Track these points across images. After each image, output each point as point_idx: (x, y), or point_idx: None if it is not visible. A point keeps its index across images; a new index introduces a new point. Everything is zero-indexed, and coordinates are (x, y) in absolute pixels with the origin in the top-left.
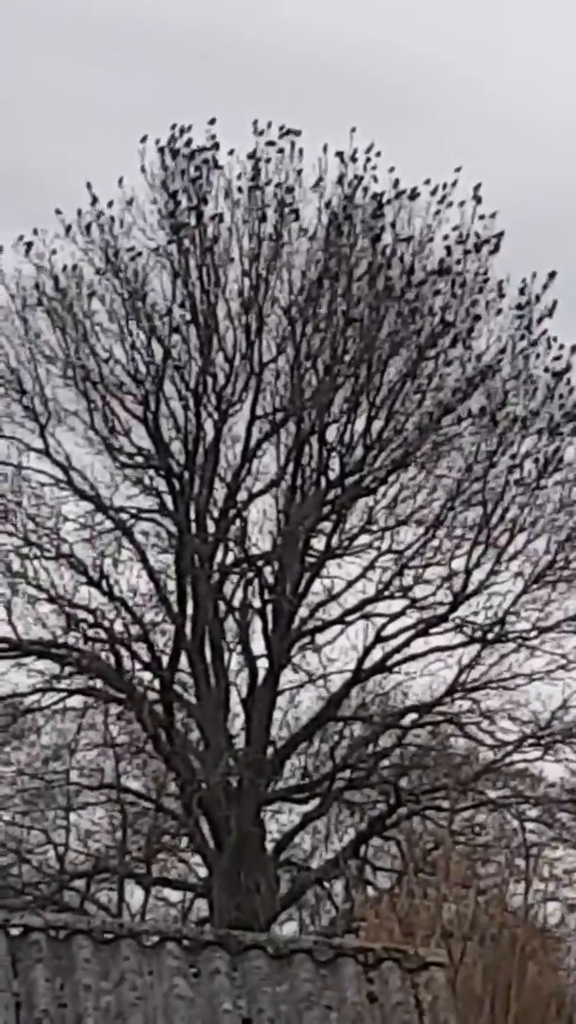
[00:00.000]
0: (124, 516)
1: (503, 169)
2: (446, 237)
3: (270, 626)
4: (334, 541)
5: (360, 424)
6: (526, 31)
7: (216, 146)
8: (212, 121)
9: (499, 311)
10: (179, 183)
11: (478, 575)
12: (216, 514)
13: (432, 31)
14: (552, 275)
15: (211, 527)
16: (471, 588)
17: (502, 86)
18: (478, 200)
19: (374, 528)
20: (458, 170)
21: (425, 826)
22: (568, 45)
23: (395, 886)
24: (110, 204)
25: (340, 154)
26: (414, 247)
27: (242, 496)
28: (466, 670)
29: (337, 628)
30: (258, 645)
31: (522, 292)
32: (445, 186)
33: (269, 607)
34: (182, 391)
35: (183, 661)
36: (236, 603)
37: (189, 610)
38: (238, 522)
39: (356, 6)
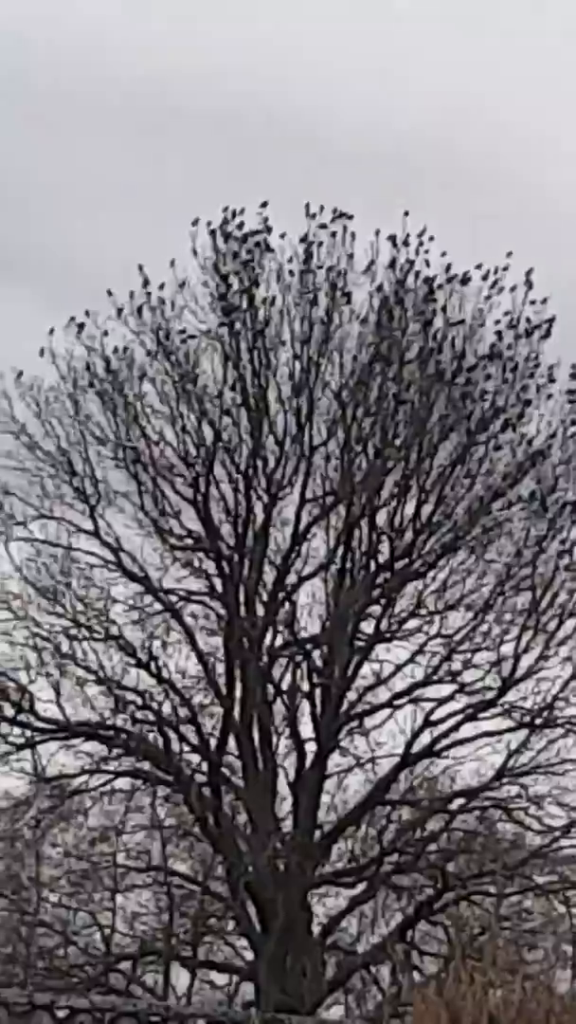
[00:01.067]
0: (173, 598)
1: (555, 253)
2: (497, 322)
3: (319, 709)
4: (383, 625)
5: (410, 508)
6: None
7: (268, 229)
8: (264, 204)
9: (550, 396)
10: (231, 266)
11: (527, 660)
12: (265, 597)
13: (484, 118)
14: None
15: (260, 610)
16: (520, 673)
17: (553, 172)
18: (529, 285)
19: (423, 612)
20: (509, 255)
21: (472, 911)
22: None
23: (442, 971)
24: (162, 286)
25: (392, 238)
26: (465, 331)
27: (291, 579)
28: (514, 755)
29: (386, 712)
30: (306, 728)
31: (573, 377)
32: (496, 271)
33: (318, 690)
34: (232, 474)
35: (231, 744)
36: (285, 686)
37: (238, 693)
38: (287, 605)
39: (409, 91)
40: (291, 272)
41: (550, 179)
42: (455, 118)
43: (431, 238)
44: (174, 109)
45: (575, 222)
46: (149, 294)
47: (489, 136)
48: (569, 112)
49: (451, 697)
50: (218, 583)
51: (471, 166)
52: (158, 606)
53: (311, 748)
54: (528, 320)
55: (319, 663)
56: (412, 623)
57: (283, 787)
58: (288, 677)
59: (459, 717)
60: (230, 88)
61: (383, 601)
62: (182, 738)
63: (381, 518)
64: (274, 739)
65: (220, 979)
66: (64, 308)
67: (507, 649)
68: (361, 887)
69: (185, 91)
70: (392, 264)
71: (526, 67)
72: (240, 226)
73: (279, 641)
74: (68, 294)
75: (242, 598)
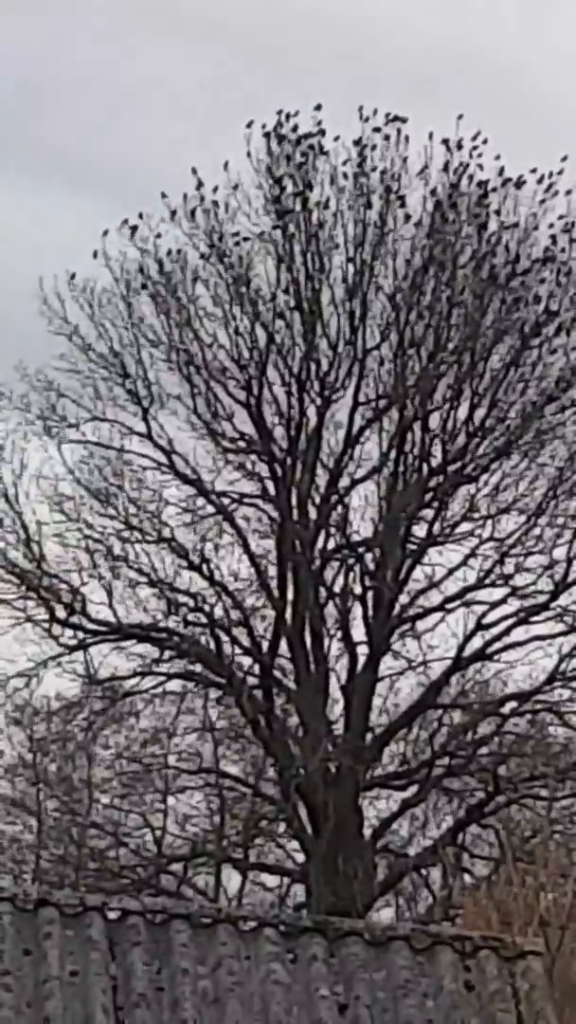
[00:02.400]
0: (226, 501)
1: None
2: (551, 226)
3: (370, 613)
4: (435, 529)
5: (463, 412)
6: None
7: (322, 132)
8: (318, 107)
9: None
10: (284, 169)
11: None
12: (318, 500)
13: (544, 25)
14: None
15: (312, 513)
16: (572, 577)
17: None
18: None
19: (476, 516)
20: (564, 159)
21: (523, 814)
22: None
23: (493, 874)
24: (215, 189)
25: (446, 141)
26: (519, 235)
27: (344, 483)
28: (566, 659)
29: (437, 616)
30: (358, 632)
31: None
32: (551, 175)
33: (370, 594)
34: (285, 377)
35: (283, 647)
36: (337, 589)
37: (290, 596)
38: (340, 508)
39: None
40: (345, 175)
41: None
42: (511, 22)
43: (485, 141)
44: (232, 14)
45: None
46: (203, 197)
47: (545, 40)
48: None
49: (503, 601)
50: (270, 486)
51: (525, 67)
52: (210, 509)
53: (363, 651)
54: None
55: (371, 566)
56: (464, 527)
57: (335, 690)
58: (340, 580)
59: (511, 621)
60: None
61: (435, 504)
62: (234, 641)
63: (434, 421)
64: (326, 642)
65: (271, 881)
66: (117, 211)
67: (559, 553)
68: (412, 790)
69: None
70: (446, 167)
71: None
72: (294, 129)
73: (331, 544)
74: (122, 196)
75: (294, 501)
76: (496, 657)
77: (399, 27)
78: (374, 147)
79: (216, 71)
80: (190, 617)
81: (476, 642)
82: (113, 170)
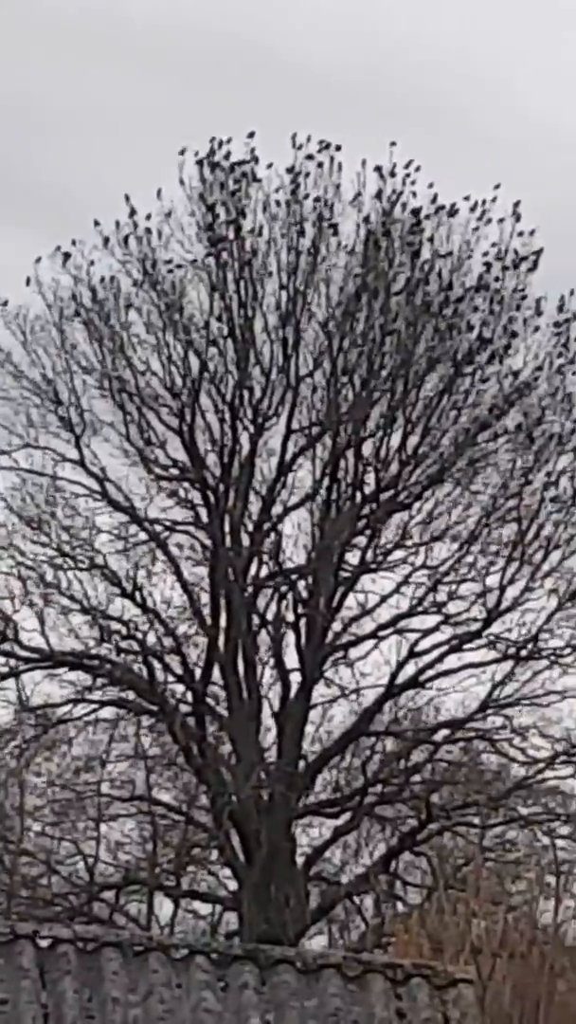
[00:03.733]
0: (158, 528)
1: (543, 186)
2: (485, 253)
3: (303, 640)
4: (368, 556)
5: (396, 439)
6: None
7: (255, 159)
8: (251, 134)
9: (536, 328)
10: (217, 196)
11: (512, 592)
12: (251, 527)
13: (474, 49)
14: None
15: (245, 540)
16: (505, 605)
17: (545, 103)
18: (517, 217)
19: (409, 543)
20: (497, 187)
21: (456, 842)
22: None
23: (425, 902)
24: (148, 216)
25: (379, 169)
26: (452, 263)
27: (277, 510)
28: (499, 686)
29: (370, 643)
30: (291, 659)
31: (560, 309)
32: (484, 202)
33: (302, 621)
34: (218, 404)
35: (216, 674)
36: (270, 617)
37: (222, 623)
38: (272, 535)
39: (397, 24)
40: (278, 202)
41: (543, 104)
42: (444, 46)
43: (418, 169)
44: (164, 39)
45: (564, 150)
46: (136, 224)
47: (476, 64)
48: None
49: (436, 628)
50: (203, 513)
51: (459, 94)
52: (143, 536)
53: (296, 678)
54: (516, 252)
55: (304, 594)
56: (397, 554)
57: (267, 718)
58: (273, 607)
59: (444, 648)
60: (221, 18)
61: (368, 532)
62: (167, 668)
63: (367, 449)
64: (259, 669)
65: (203, 909)
66: (50, 238)
67: (492, 581)
68: (345, 817)
69: (176, 22)
70: (379, 195)
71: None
72: (227, 156)
73: (264, 572)
74: (54, 224)
75: (227, 528)
76: (429, 685)
77: (333, 55)
78: (307, 175)
79: (149, 98)
80: (123, 644)
81: (409, 669)
82: (46, 198)
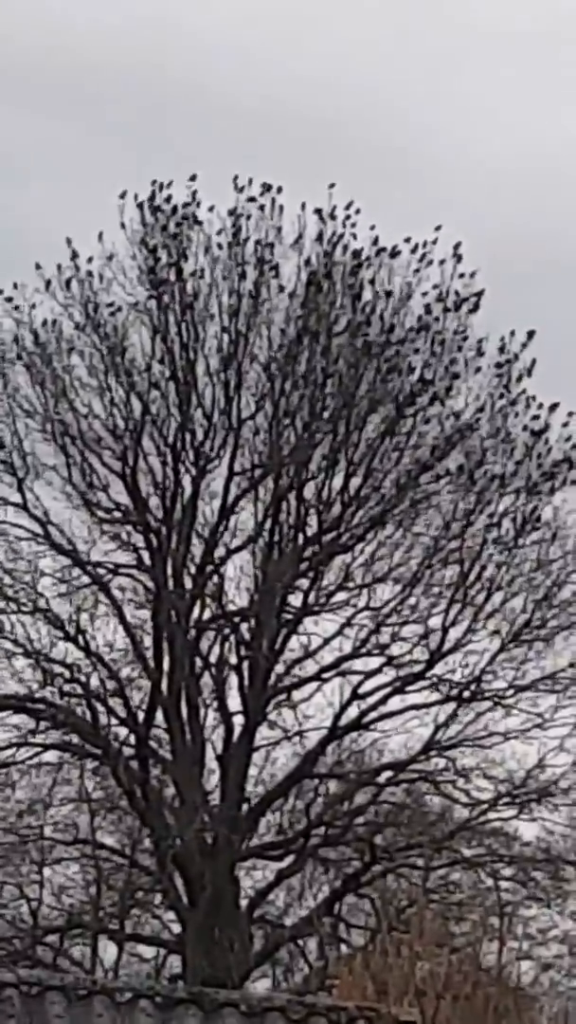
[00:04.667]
0: (101, 571)
1: (484, 227)
2: (426, 295)
3: (246, 682)
4: (311, 598)
5: (338, 481)
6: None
7: (196, 202)
8: (193, 177)
9: (478, 369)
10: (159, 239)
11: (455, 633)
12: (193, 570)
13: (414, 91)
14: (531, 334)
15: (188, 583)
16: (448, 646)
17: (486, 145)
18: (458, 259)
19: (351, 585)
20: (438, 228)
21: (399, 884)
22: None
23: (369, 944)
24: (90, 259)
25: (319, 211)
26: (394, 305)
27: (220, 552)
28: (442, 728)
29: (313, 685)
30: (234, 701)
31: (501, 351)
32: (425, 244)
33: (245, 663)
34: (160, 447)
35: (159, 717)
36: (213, 659)
37: (165, 666)
38: (215, 578)
39: (335, 67)
40: (219, 245)
41: (482, 148)
42: (382, 90)
43: (358, 211)
44: (105, 82)
45: (504, 191)
46: (77, 267)
47: (417, 108)
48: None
49: (379, 670)
50: (146, 556)
51: (399, 137)
52: (86, 579)
53: (239, 721)
54: (457, 293)
55: (247, 636)
56: (340, 596)
57: (211, 760)
58: (216, 650)
59: (387, 690)
60: (160, 61)
61: (311, 574)
62: (110, 711)
63: (309, 491)
64: (202, 712)
65: (148, 952)
66: None
67: (435, 622)
68: (288, 860)
69: (117, 65)
70: (319, 237)
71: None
72: (168, 199)
73: (207, 614)
74: None
75: (170, 571)
76: (372, 726)
77: (273, 99)
78: (248, 217)
79: (90, 143)
80: (66, 688)
81: (352, 711)
82: None
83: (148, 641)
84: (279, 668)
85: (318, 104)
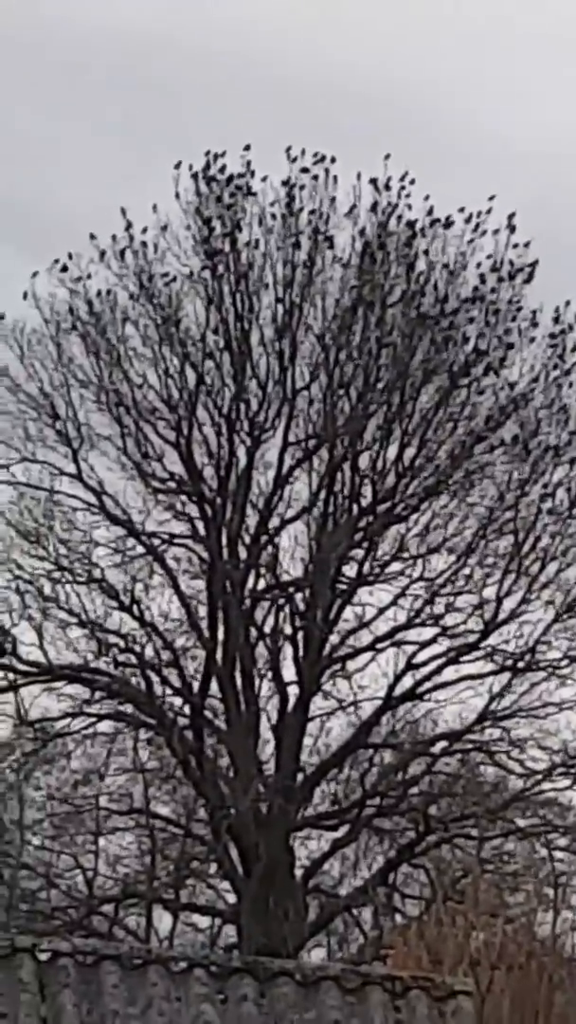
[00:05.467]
0: (156, 541)
1: (540, 198)
2: (480, 265)
3: (301, 653)
4: (365, 568)
5: (392, 451)
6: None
7: (251, 172)
8: (247, 148)
9: (532, 340)
10: (213, 210)
11: (509, 604)
12: (248, 540)
13: (471, 64)
14: None
15: (243, 553)
16: (502, 616)
17: (543, 117)
18: (512, 229)
19: (406, 556)
20: (492, 199)
21: (454, 854)
22: None
23: (423, 914)
24: (144, 230)
25: (374, 181)
26: (448, 275)
27: (274, 523)
28: (496, 698)
29: (368, 655)
30: (289, 672)
31: (556, 321)
32: (479, 214)
33: (300, 634)
34: (215, 417)
35: (213, 687)
36: (267, 629)
37: (220, 636)
38: (270, 548)
39: (397, 42)
40: (273, 216)
41: (536, 123)
42: (438, 63)
43: (412, 181)
44: (161, 54)
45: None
46: (132, 237)
47: (473, 80)
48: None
49: (433, 640)
50: (200, 526)
51: (454, 107)
52: (140, 549)
53: (293, 691)
54: (511, 263)
55: (301, 606)
56: (394, 566)
57: (265, 730)
58: (270, 620)
59: (441, 660)
60: (216, 34)
61: (365, 544)
62: (164, 681)
63: (364, 461)
64: (256, 682)
65: (202, 922)
66: (47, 252)
67: (489, 592)
68: (343, 830)
69: (172, 38)
70: (374, 207)
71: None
72: (222, 170)
73: (261, 584)
74: (51, 238)
75: (224, 541)
76: (426, 697)
77: (328, 71)
78: (302, 187)
79: (145, 115)
80: (121, 658)
81: (406, 682)
82: (43, 214)
83: (203, 611)
84: (333, 638)
85: (376, 76)
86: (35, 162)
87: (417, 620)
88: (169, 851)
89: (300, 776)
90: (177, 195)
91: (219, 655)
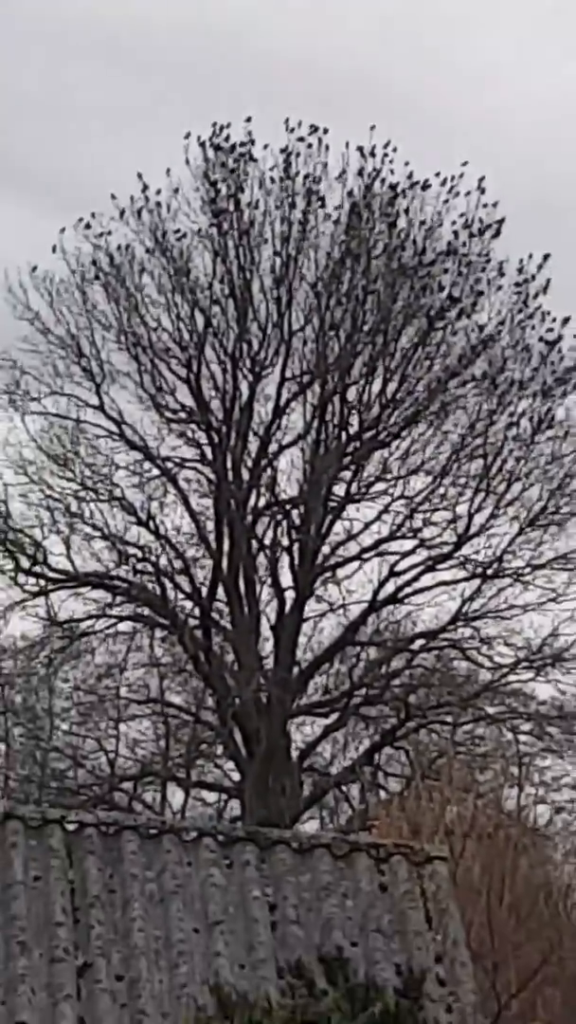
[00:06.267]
0: (169, 465)
1: (508, 160)
2: (454, 223)
3: (296, 562)
4: (353, 488)
5: (377, 386)
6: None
7: (252, 141)
8: (249, 119)
9: (500, 288)
10: (219, 174)
11: (479, 519)
12: (250, 464)
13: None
14: (546, 257)
15: (245, 475)
16: (473, 530)
17: (511, 90)
18: (482, 190)
19: (388, 477)
20: (464, 164)
21: (431, 738)
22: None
23: (404, 790)
24: (158, 192)
25: (360, 149)
26: (425, 231)
27: (273, 448)
28: (468, 602)
29: (355, 564)
30: (286, 578)
31: (520, 271)
32: (453, 178)
33: (296, 545)
34: (221, 356)
35: (220, 592)
36: (267, 542)
37: (226, 547)
38: (269, 471)
39: (384, 25)
40: (272, 179)
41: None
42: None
43: (395, 149)
44: (177, 40)
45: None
46: (147, 199)
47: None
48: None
49: (412, 551)
50: (208, 451)
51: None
52: (156, 471)
53: (290, 596)
54: (481, 221)
55: (297, 521)
56: (378, 486)
57: (265, 630)
58: (270, 534)
59: (419, 568)
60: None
61: (353, 467)
62: (177, 587)
63: (351, 394)
64: (257, 588)
65: (210, 797)
66: (73, 210)
67: (462, 509)
68: (334, 717)
69: (188, 26)
70: (361, 172)
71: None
72: (227, 139)
73: (262, 502)
74: (76, 198)
75: (229, 464)
76: (406, 600)
77: (322, 50)
78: (298, 155)
79: (161, 90)
80: (139, 567)
81: (389, 587)
82: (71, 179)
83: (210, 526)
84: (325, 549)
85: (364, 54)
86: (65, 134)
87: (398, 533)
88: (181, 735)
89: (296, 670)
90: (187, 161)
91: (225, 564)
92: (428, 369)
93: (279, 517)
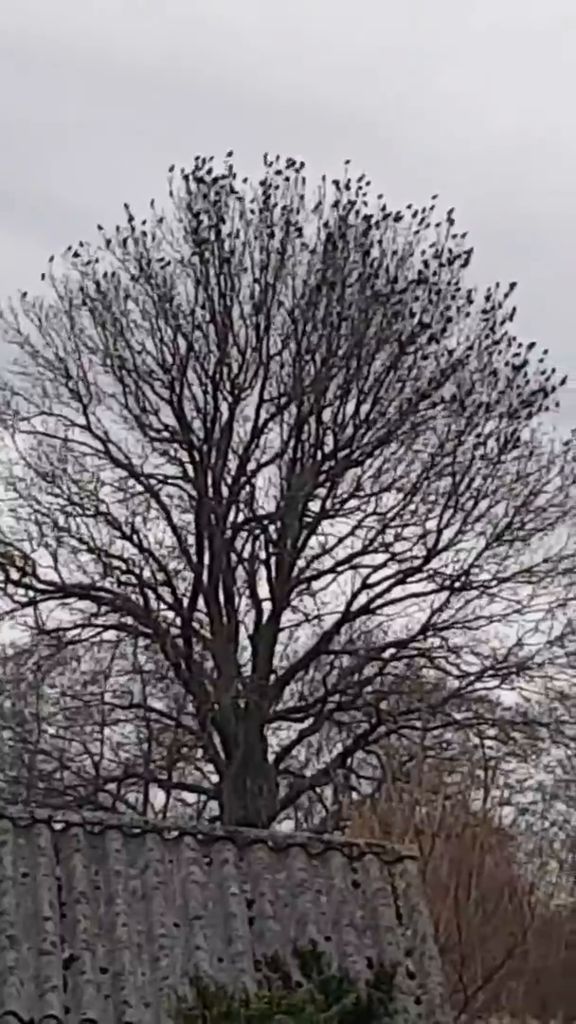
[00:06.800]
0: (152, 481)
1: (478, 194)
2: (424, 252)
3: (273, 574)
4: (328, 504)
5: (351, 407)
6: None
7: (233, 174)
8: (230, 154)
9: (468, 315)
10: (201, 205)
11: (448, 534)
12: (229, 481)
13: (419, 83)
14: (513, 285)
15: (225, 492)
16: (442, 545)
17: (475, 130)
18: (451, 222)
19: (361, 494)
20: (435, 197)
21: (401, 742)
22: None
23: (375, 792)
24: (144, 222)
25: (336, 182)
26: (398, 260)
27: (251, 466)
28: (436, 613)
29: (329, 577)
30: (263, 590)
31: (487, 299)
32: (424, 210)
33: (273, 559)
34: (202, 378)
35: (200, 603)
36: (245, 555)
37: (206, 560)
38: (247, 488)
39: (360, 64)
40: (252, 210)
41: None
42: (387, 79)
43: (368, 183)
44: (160, 75)
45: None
46: (133, 228)
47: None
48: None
49: (384, 564)
50: (190, 469)
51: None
52: (140, 488)
53: (267, 607)
54: (450, 251)
55: (274, 536)
56: (352, 503)
57: (244, 639)
58: (248, 547)
59: (391, 581)
60: (207, 58)
61: (328, 484)
62: (159, 598)
63: (327, 415)
64: (236, 599)
65: (190, 798)
66: (61, 240)
67: (431, 525)
68: (309, 722)
69: (171, 64)
70: (336, 204)
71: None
72: (209, 172)
73: (240, 517)
74: (64, 228)
75: (210, 481)
76: (378, 611)
77: (301, 89)
78: (276, 187)
79: (147, 126)
80: (123, 578)
81: (362, 599)
82: (59, 210)
83: (191, 540)
84: (301, 563)
85: (336, 91)
86: (53, 165)
87: (371, 547)
88: (163, 739)
89: (272, 677)
90: (171, 193)
91: (205, 576)
92: (399, 391)
93: (257, 532)
